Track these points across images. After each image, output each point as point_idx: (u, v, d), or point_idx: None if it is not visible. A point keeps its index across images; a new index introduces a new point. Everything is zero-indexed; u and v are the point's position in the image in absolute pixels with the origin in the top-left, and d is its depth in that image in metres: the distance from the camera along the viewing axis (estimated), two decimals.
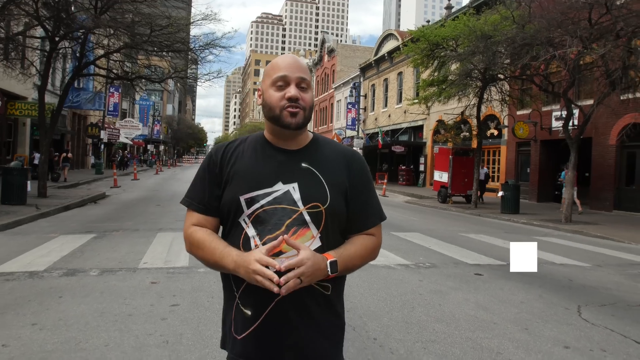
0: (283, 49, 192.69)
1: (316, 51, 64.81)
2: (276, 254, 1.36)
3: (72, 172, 24.22)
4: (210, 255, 1.43)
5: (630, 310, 4.89)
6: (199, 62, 17.12)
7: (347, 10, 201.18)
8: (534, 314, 4.59)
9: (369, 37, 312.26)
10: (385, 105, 34.97)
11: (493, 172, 23.00)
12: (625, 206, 15.94)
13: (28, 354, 3.28)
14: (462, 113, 18.53)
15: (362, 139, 34.67)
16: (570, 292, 5.52)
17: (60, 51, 15.42)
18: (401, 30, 36.77)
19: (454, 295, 5.13)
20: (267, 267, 1.30)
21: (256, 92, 1.55)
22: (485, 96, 16.85)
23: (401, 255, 7.15)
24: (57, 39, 13.49)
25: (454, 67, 17.02)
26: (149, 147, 55.04)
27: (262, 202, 1.42)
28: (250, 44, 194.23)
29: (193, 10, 26.20)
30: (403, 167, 30.33)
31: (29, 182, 11.72)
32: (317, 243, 1.42)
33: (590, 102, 14.54)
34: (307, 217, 1.41)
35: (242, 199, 1.43)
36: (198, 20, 15.87)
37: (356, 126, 37.65)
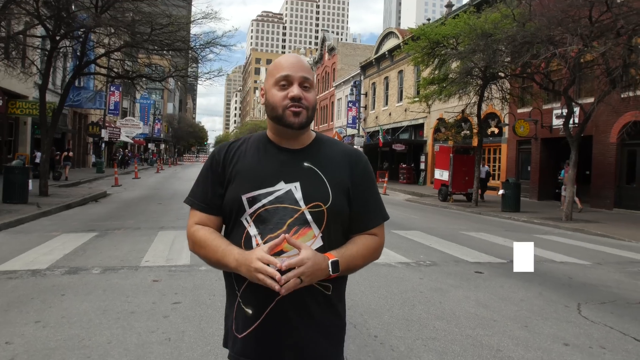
0: (283, 47, 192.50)
1: (317, 49, 64.81)
2: (277, 253, 1.35)
3: (73, 170, 24.27)
4: (212, 253, 1.43)
5: (630, 307, 4.91)
6: (199, 61, 17.17)
7: (348, 9, 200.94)
8: (534, 311, 4.61)
9: (369, 36, 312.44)
10: (386, 104, 34.95)
11: (494, 170, 22.99)
12: (626, 204, 15.95)
13: (31, 351, 3.31)
14: (463, 111, 18.55)
15: (362, 137, 34.61)
16: (570, 289, 5.54)
17: (61, 50, 15.44)
18: (402, 29, 36.73)
19: (454, 293, 5.16)
20: (268, 265, 1.29)
21: (259, 91, 1.56)
22: (485, 94, 16.82)
23: (402, 253, 7.17)
24: (57, 38, 13.53)
25: (454, 65, 17.03)
26: (150, 145, 55.12)
27: (264, 201, 1.42)
28: (251, 43, 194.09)
29: (193, 9, 26.28)
30: (404, 166, 30.35)
31: (30, 181, 11.75)
32: (319, 243, 1.41)
33: (591, 100, 14.53)
34: (309, 217, 1.41)
35: (244, 198, 1.43)
36: (198, 19, 15.90)
37: (357, 124, 37.61)
